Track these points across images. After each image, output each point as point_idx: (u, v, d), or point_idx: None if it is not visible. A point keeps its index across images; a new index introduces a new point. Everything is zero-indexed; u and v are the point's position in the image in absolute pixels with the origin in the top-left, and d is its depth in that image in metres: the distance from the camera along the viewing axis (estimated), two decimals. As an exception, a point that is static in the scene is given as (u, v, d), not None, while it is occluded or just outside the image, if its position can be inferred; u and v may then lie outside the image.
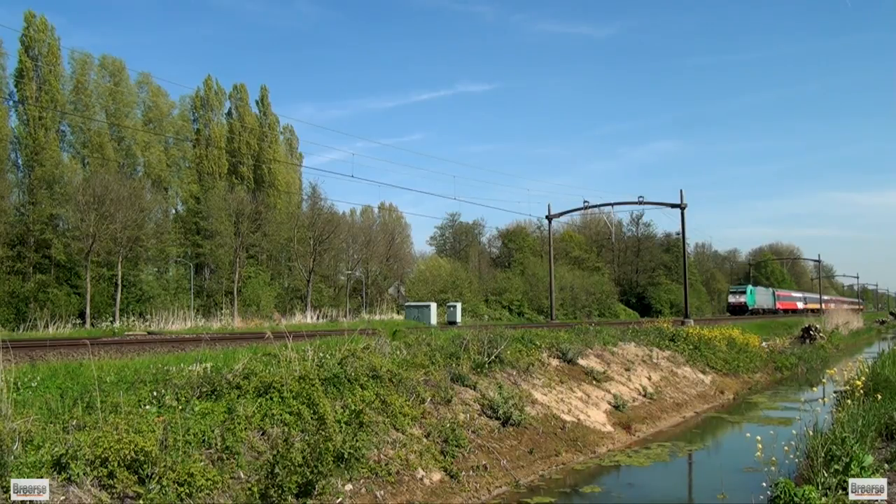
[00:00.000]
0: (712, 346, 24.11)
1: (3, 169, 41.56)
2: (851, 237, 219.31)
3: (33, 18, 42.87)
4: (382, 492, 8.05)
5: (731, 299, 73.66)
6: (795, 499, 6.84)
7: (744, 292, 73.11)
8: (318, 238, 50.18)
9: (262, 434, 7.82)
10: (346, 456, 7.69)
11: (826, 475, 7.42)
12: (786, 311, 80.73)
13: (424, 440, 9.56)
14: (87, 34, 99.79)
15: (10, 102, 43.08)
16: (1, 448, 5.69)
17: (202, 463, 6.75)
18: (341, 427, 8.29)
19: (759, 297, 76.59)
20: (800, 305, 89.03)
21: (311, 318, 44.11)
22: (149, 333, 19.05)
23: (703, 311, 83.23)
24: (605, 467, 11.46)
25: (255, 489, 6.77)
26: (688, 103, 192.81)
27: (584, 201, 43.27)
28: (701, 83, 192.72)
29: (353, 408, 8.76)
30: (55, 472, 5.83)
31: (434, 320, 37.13)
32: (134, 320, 34.33)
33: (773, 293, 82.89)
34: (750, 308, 70.91)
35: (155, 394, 7.61)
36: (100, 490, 5.96)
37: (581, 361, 16.52)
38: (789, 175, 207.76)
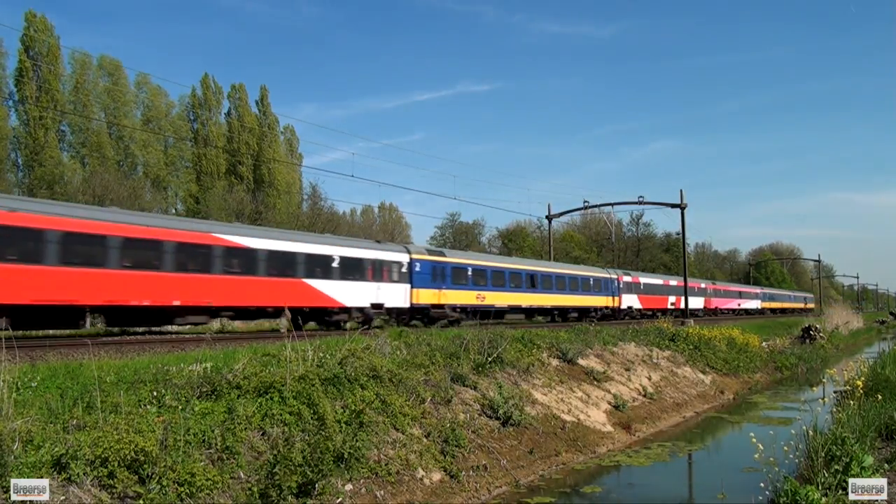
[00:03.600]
0: (712, 346, 24.13)
1: (3, 169, 41.58)
2: (851, 237, 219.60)
3: (34, 18, 42.91)
4: (382, 492, 8.05)
5: None
6: (798, 498, 6.84)
7: None
8: (317, 238, 49.97)
9: (262, 434, 7.82)
10: (346, 456, 7.69)
11: (826, 475, 7.42)
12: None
13: (424, 440, 9.56)
14: (87, 34, 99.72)
15: (10, 102, 43.11)
16: (1, 448, 5.68)
17: (202, 463, 6.75)
18: (341, 427, 8.29)
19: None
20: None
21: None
22: (149, 333, 19.04)
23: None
24: (606, 467, 11.46)
25: (256, 489, 6.77)
26: (688, 103, 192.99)
27: (584, 201, 43.13)
28: (701, 83, 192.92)
29: (353, 408, 8.75)
30: (55, 472, 5.83)
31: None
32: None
33: None
34: None
35: (155, 394, 7.60)
36: (100, 490, 5.95)
37: (581, 361, 16.52)
38: (789, 175, 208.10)
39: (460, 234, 76.53)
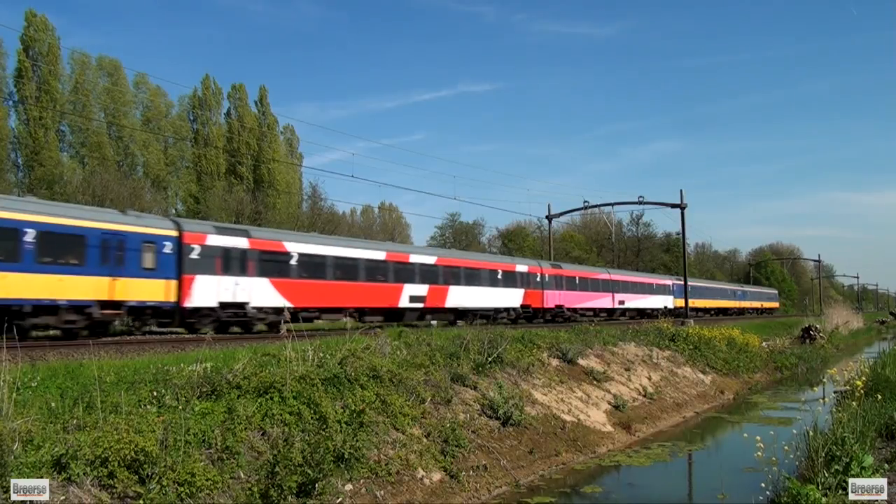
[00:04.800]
0: (712, 345, 24.13)
1: (3, 169, 41.56)
2: (851, 237, 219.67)
3: (34, 18, 42.87)
4: (382, 492, 8.05)
5: None
6: (798, 498, 6.83)
7: None
8: (316, 238, 49.81)
9: (263, 434, 7.82)
10: (346, 456, 7.69)
11: (826, 475, 7.41)
12: None
13: (424, 440, 9.56)
14: (87, 34, 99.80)
15: (10, 102, 43.10)
16: (1, 448, 5.68)
17: (202, 463, 6.75)
18: (341, 427, 8.28)
19: None
20: None
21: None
22: (149, 333, 19.05)
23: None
24: (606, 467, 11.46)
25: (256, 489, 6.77)
26: (688, 103, 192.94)
27: (584, 201, 43.11)
28: (701, 83, 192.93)
29: (353, 408, 8.75)
30: (55, 472, 5.83)
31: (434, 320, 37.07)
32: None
33: None
34: None
35: (155, 394, 7.60)
36: (100, 490, 5.95)
37: (581, 361, 16.51)
38: (789, 175, 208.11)
39: (460, 234, 76.53)
